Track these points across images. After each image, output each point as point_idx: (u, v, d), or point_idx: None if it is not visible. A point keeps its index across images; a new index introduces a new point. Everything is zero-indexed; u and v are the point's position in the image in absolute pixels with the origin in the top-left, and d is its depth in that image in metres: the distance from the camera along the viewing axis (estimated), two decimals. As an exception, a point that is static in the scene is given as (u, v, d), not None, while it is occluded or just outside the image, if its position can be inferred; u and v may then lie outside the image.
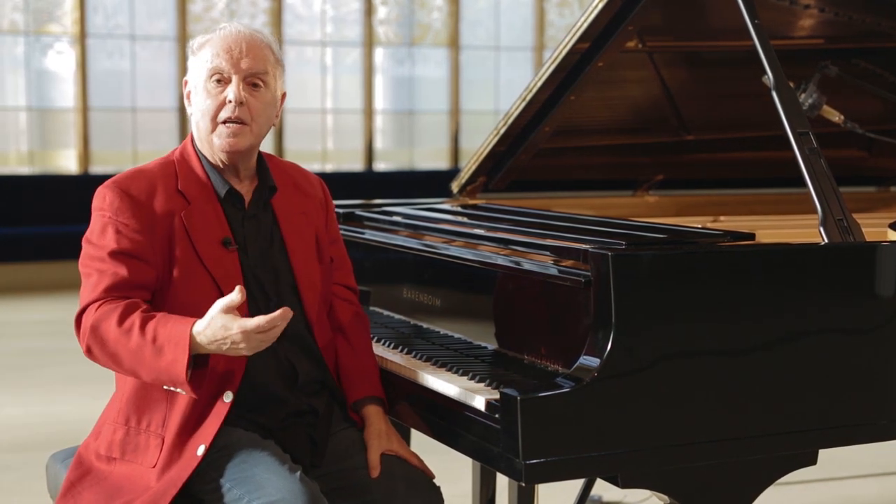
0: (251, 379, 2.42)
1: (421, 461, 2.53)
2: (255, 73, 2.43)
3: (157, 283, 2.37)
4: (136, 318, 2.27)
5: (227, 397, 2.36)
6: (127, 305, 2.29)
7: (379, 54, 11.65)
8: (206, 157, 2.47)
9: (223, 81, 2.42)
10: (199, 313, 2.32)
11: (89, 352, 2.33)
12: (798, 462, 2.43)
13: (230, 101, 2.40)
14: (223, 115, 2.41)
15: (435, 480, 2.52)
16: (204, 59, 2.43)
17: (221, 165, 2.47)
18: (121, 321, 2.27)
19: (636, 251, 2.30)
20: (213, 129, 2.43)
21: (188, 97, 2.49)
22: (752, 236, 2.59)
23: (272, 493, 2.24)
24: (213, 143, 2.44)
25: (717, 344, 2.30)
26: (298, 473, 2.29)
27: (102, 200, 2.38)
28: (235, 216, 2.48)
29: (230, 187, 2.47)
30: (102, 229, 2.36)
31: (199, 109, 2.44)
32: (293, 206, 2.56)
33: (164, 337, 2.24)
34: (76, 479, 2.40)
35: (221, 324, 2.21)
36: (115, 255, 2.33)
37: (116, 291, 2.32)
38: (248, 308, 2.41)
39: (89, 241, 2.39)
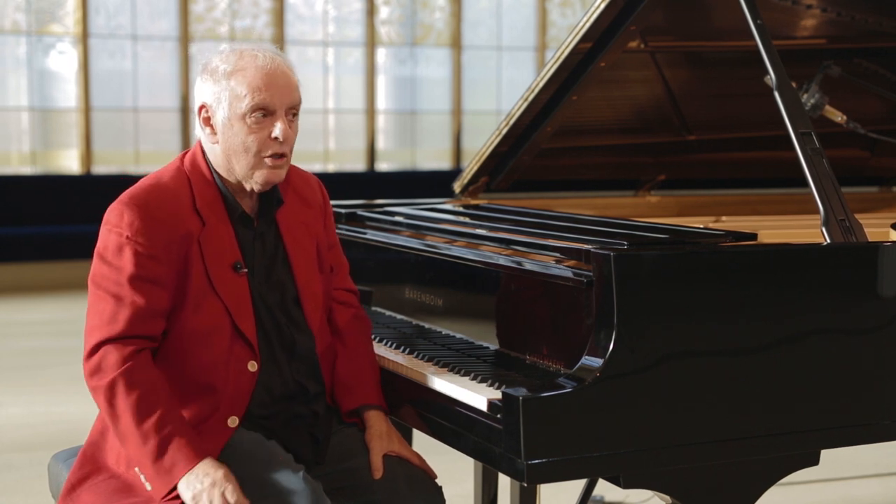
0: (259, 396, 2.42)
1: (423, 461, 2.53)
2: (295, 104, 2.41)
3: (171, 307, 2.35)
4: (158, 409, 2.26)
5: (233, 422, 2.37)
6: (152, 386, 2.28)
7: (381, 54, 11.65)
8: (220, 176, 2.43)
9: (266, 116, 2.36)
10: (208, 339, 2.34)
11: (94, 390, 2.31)
12: (800, 462, 2.43)
13: (276, 138, 2.37)
14: (269, 151, 2.37)
15: (437, 480, 2.52)
16: (239, 91, 2.35)
17: (241, 188, 2.43)
18: (140, 402, 2.26)
19: (638, 251, 2.30)
20: (258, 165, 2.38)
21: (206, 122, 2.40)
22: (754, 236, 2.59)
23: (276, 492, 2.24)
24: (252, 176, 2.39)
25: (719, 344, 2.30)
26: (302, 472, 2.29)
27: (119, 218, 2.33)
28: (246, 236, 2.45)
29: (242, 210, 2.44)
30: (119, 249, 2.32)
31: (237, 143, 2.36)
32: (295, 216, 2.54)
33: (173, 451, 2.24)
34: (77, 481, 2.39)
35: (216, 483, 2.23)
36: (134, 280, 2.30)
37: (136, 324, 2.29)
38: (256, 330, 2.41)
39: (104, 258, 2.34)
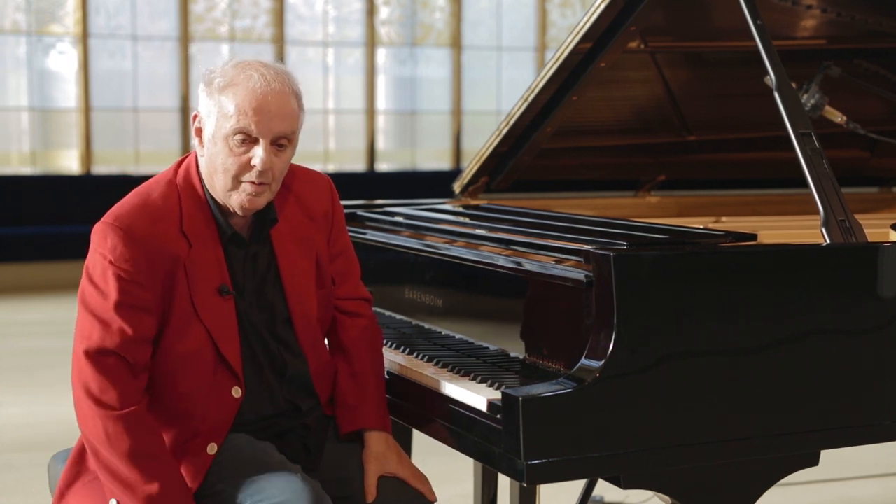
0: (248, 416, 2.39)
1: (421, 479, 2.46)
2: (284, 135, 2.30)
3: (157, 330, 2.30)
4: (154, 448, 2.25)
5: (212, 449, 2.33)
6: (149, 427, 2.26)
7: (381, 54, 11.65)
8: (212, 196, 2.36)
9: (249, 142, 2.28)
10: (190, 364, 2.30)
11: (81, 407, 2.29)
12: (800, 463, 2.43)
13: (255, 166, 2.28)
14: (246, 177, 2.29)
15: (435, 482, 2.51)
16: (226, 109, 2.27)
17: (229, 209, 2.36)
18: (136, 444, 2.23)
19: (638, 252, 2.29)
20: (234, 188, 2.30)
21: (198, 134, 2.34)
22: (753, 237, 2.59)
23: (275, 494, 2.22)
24: (229, 198, 2.32)
25: (718, 345, 2.29)
26: (299, 473, 2.28)
27: (103, 240, 2.26)
28: (237, 256, 2.39)
29: (234, 231, 2.37)
30: (104, 273, 2.25)
31: (217, 162, 2.29)
32: (293, 231, 2.45)
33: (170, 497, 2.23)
34: (70, 480, 2.38)
35: None
36: (119, 307, 2.24)
37: (124, 348, 2.24)
38: (243, 353, 2.37)
39: (91, 279, 2.27)
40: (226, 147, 2.28)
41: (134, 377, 2.27)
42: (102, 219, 2.29)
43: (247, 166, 2.29)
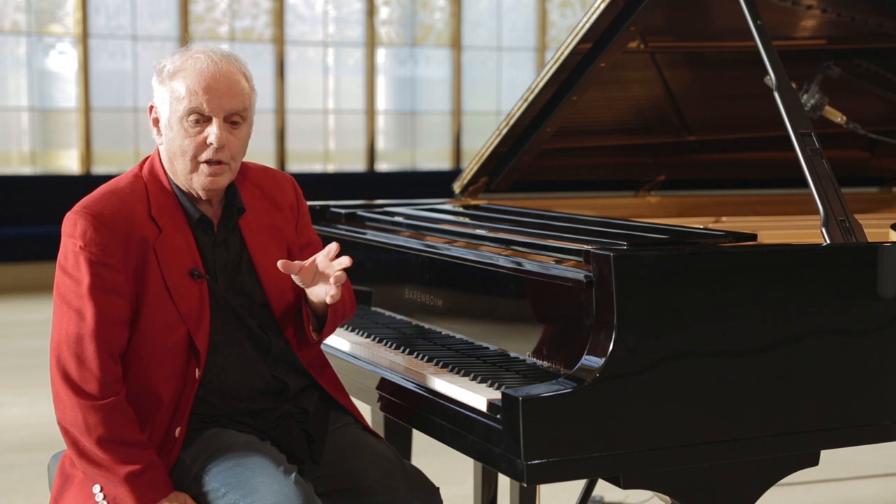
0: (238, 393, 2.41)
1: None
2: (236, 111, 2.36)
3: (131, 314, 2.33)
4: (133, 435, 2.27)
5: (178, 433, 2.35)
6: (128, 416, 2.28)
7: (381, 55, 11.65)
8: (176, 185, 2.41)
9: (202, 121, 2.34)
10: (165, 346, 2.32)
11: (60, 397, 2.28)
12: (800, 463, 2.43)
13: (211, 144, 2.34)
14: (204, 156, 2.35)
15: (435, 482, 2.52)
16: (178, 93, 2.34)
17: (194, 195, 2.41)
18: (114, 433, 2.26)
19: (638, 252, 2.30)
20: (194, 169, 2.36)
21: (155, 123, 2.40)
22: (753, 237, 2.59)
23: (266, 496, 2.23)
24: (191, 181, 2.38)
25: (718, 345, 2.30)
26: (293, 476, 2.29)
27: (73, 227, 2.31)
28: (206, 242, 2.43)
29: (201, 214, 2.41)
30: (76, 259, 2.29)
31: (175, 146, 2.36)
32: (262, 221, 2.50)
33: (152, 475, 2.27)
34: (65, 480, 2.39)
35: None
36: (93, 291, 2.27)
37: (100, 333, 2.26)
38: (221, 334, 2.39)
39: (64, 270, 2.31)
40: (181, 129, 2.35)
41: (113, 364, 2.29)
42: (72, 209, 2.34)
43: (203, 145, 2.35)
